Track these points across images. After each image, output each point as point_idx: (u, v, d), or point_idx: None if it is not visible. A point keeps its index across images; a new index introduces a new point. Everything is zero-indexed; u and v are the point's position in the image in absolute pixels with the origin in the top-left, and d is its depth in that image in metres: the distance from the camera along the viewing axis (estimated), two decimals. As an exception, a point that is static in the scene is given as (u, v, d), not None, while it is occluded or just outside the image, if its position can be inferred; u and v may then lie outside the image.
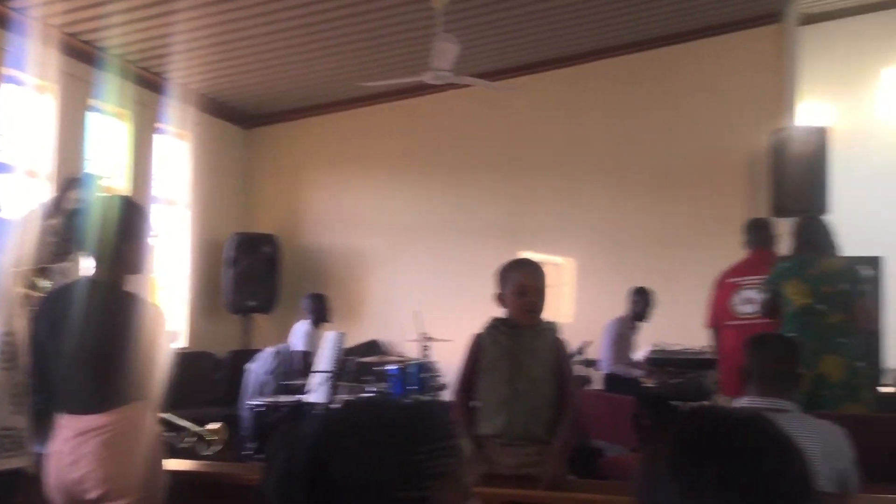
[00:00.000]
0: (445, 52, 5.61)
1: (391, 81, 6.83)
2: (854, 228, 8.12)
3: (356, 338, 8.00)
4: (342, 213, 8.82)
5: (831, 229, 4.51)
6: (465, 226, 8.48)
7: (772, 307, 4.44)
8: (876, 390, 4.38)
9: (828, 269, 4.32)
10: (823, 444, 2.58)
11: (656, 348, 7.02)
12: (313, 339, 6.66)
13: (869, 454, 2.68)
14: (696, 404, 5.40)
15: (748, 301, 4.83)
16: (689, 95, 8.03)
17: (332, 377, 5.67)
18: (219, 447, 3.29)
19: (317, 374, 5.81)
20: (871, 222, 7.79)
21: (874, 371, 4.48)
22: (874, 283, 6.74)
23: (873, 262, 6.99)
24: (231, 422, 5.44)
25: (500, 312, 3.18)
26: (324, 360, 5.88)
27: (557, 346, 3.14)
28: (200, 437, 3.26)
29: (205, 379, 7.55)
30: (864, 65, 8.32)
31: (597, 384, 6.86)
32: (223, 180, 8.73)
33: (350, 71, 7.68)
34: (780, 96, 7.69)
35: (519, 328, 3.11)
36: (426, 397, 5.94)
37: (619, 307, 6.82)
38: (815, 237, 4.45)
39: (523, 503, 2.86)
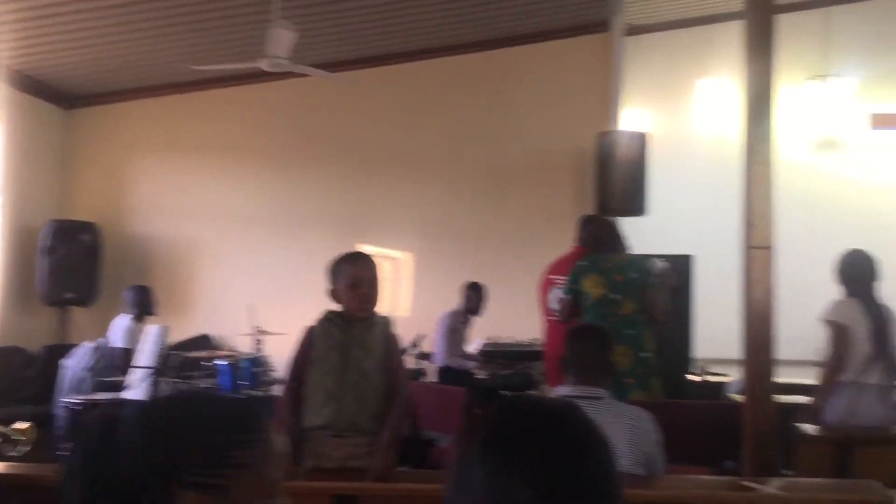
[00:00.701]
0: (282, 39, 5.52)
1: (224, 66, 6.64)
2: (669, 229, 8.76)
3: (186, 332, 7.73)
4: (171, 201, 8.48)
5: (621, 229, 4.85)
6: (301, 218, 8.39)
7: (570, 310, 4.66)
8: (660, 379, 4.63)
9: (619, 262, 4.63)
10: (631, 429, 2.78)
11: (488, 341, 7.25)
12: (135, 334, 6.37)
13: (669, 437, 2.91)
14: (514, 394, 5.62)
15: (557, 299, 5.07)
16: (521, 97, 8.34)
17: (153, 373, 5.45)
18: (27, 448, 3.10)
19: (137, 370, 5.57)
20: (685, 224, 8.42)
21: (662, 361, 4.79)
22: (686, 279, 7.27)
23: (686, 260, 7.54)
24: (45, 421, 5.14)
25: (336, 306, 3.19)
26: (145, 355, 5.64)
27: (389, 339, 3.19)
28: (6, 437, 3.06)
29: (15, 376, 7.07)
30: (681, 76, 8.95)
31: (432, 377, 6.99)
32: (39, 163, 8.17)
33: (180, 53, 7.39)
34: (606, 102, 8.14)
35: (352, 321, 3.13)
36: (257, 392, 5.83)
37: (455, 301, 6.99)
38: (607, 237, 4.76)
39: (351, 496, 2.87)
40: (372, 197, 8.38)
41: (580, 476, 0.92)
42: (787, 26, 8.80)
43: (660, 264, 4.98)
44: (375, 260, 3.25)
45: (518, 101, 8.34)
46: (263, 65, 5.63)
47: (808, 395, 4.39)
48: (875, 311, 3.80)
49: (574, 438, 0.95)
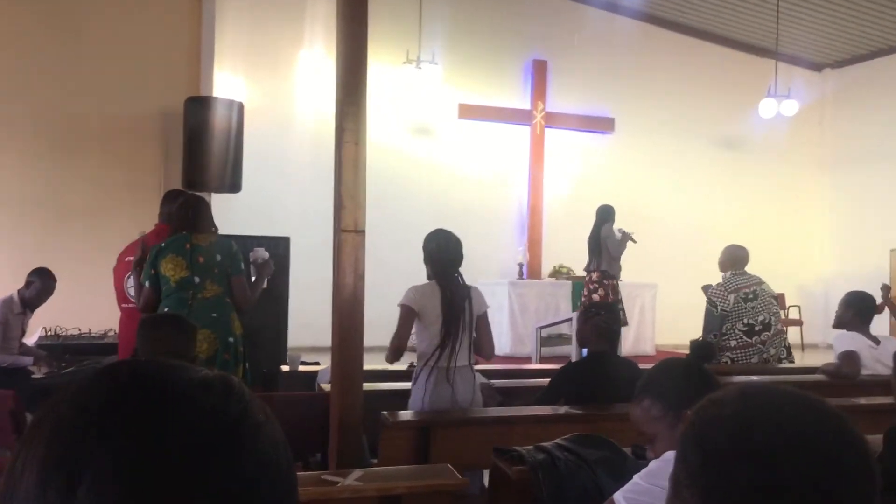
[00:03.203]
0: None
1: None
2: (265, 208, 8.73)
3: None
4: None
5: (208, 207, 4.68)
6: None
7: (148, 297, 4.40)
8: (246, 366, 4.59)
9: (204, 242, 4.47)
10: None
11: (49, 333, 6.53)
12: None
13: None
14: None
15: (134, 285, 4.73)
16: (99, 45, 7.60)
17: None
18: None
19: None
20: (281, 203, 8.45)
21: (254, 350, 4.75)
22: (284, 263, 7.30)
23: (283, 242, 7.55)
24: None
25: None
26: None
27: None
28: None
29: None
30: (281, 44, 8.93)
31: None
32: None
33: None
34: (197, 63, 7.79)
35: None
36: None
37: (9, 286, 6.17)
38: (193, 215, 4.56)
39: None
40: None
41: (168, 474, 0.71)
42: (384, 8, 9.32)
43: (260, 251, 4.87)
44: None
45: (95, 49, 7.57)
46: None
47: (396, 382, 4.63)
48: (450, 293, 4.04)
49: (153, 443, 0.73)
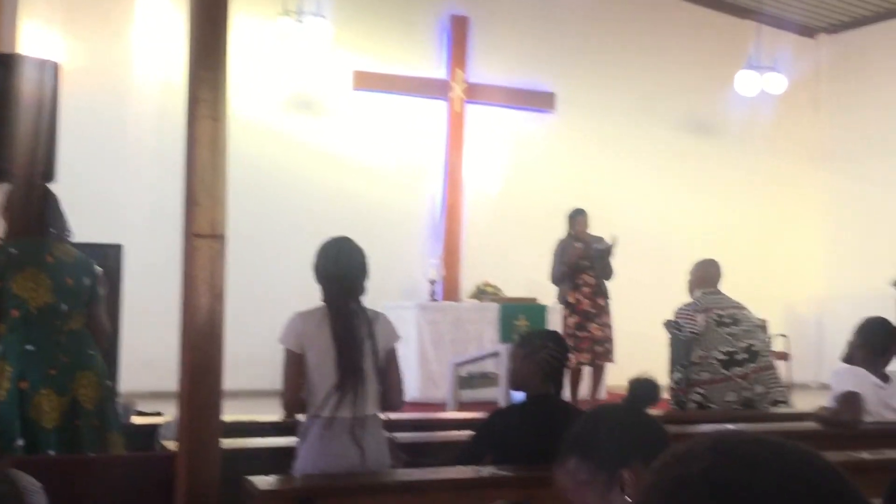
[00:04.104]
0: None
1: None
2: (89, 204, 8.55)
3: None
4: None
5: (60, 204, 4.58)
6: None
7: None
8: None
9: (68, 257, 4.37)
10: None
11: None
12: None
13: None
14: None
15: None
16: None
17: None
18: None
19: None
20: (111, 198, 8.28)
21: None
22: (114, 278, 7.14)
23: (113, 251, 7.39)
24: None
25: None
26: None
27: None
28: None
29: None
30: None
31: None
32: None
33: None
34: (-2, 11, 7.60)
35: None
36: None
37: None
38: (51, 213, 4.47)
39: None
40: None
41: None
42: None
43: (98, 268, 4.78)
44: None
45: None
46: None
47: (266, 436, 4.58)
48: (345, 321, 4.02)
49: None
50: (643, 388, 2.43)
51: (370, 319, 4.10)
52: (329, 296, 4.08)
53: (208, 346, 3.37)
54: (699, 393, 6.34)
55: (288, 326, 4.06)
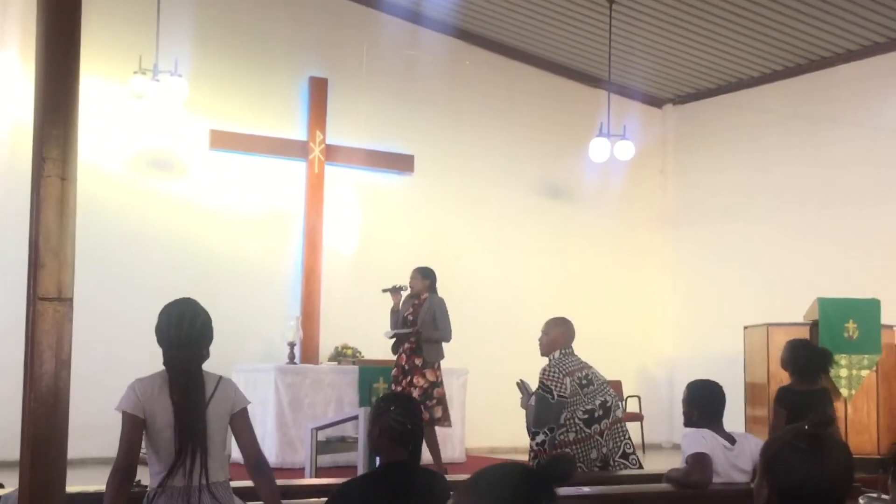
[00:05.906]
0: None
1: None
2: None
3: None
4: None
5: None
6: None
7: None
8: None
9: None
10: None
11: None
12: None
13: None
14: None
15: None
16: None
17: None
18: None
19: None
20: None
21: None
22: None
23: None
24: None
25: None
26: None
27: None
28: None
29: None
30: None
31: None
32: None
33: None
34: None
35: None
36: None
37: None
38: None
39: None
40: None
41: None
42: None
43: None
44: None
45: None
46: None
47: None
48: (185, 387, 3.94)
49: None
50: (560, 463, 2.12)
51: (213, 384, 4.01)
52: (169, 360, 3.98)
53: (52, 416, 3.20)
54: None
55: (127, 392, 3.96)
